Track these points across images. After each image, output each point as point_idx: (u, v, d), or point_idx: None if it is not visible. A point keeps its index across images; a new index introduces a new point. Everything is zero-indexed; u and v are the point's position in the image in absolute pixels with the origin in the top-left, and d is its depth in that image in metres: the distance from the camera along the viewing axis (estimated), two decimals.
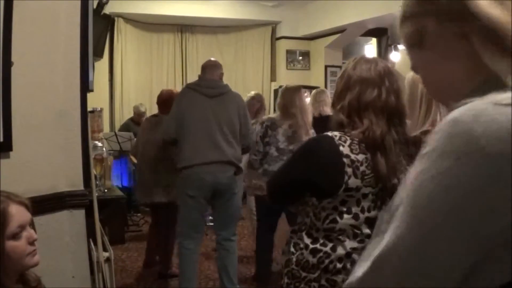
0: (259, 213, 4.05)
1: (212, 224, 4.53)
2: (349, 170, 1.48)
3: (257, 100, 4.77)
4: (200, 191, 3.32)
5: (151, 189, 3.99)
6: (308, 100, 4.83)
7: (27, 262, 1.39)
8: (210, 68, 3.52)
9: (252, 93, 4.95)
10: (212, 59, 3.76)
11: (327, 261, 1.53)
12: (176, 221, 3.89)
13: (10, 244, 1.35)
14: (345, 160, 1.49)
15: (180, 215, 3.47)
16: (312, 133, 3.80)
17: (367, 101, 1.53)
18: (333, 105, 1.65)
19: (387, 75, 1.58)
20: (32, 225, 1.45)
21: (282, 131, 3.76)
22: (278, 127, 3.76)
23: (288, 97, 3.83)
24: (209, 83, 3.46)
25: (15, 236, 1.36)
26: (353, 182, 1.49)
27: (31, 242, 1.40)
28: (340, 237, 1.52)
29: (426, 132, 1.78)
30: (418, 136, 1.78)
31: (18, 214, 1.38)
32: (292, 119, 3.74)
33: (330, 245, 1.53)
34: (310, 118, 3.89)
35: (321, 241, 1.54)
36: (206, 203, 3.42)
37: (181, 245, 3.46)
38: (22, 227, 1.38)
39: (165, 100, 3.99)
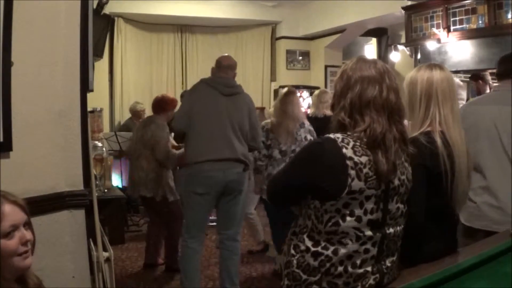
0: (270, 213, 4.16)
1: (213, 224, 4.55)
2: (352, 172, 1.48)
3: None
4: (209, 188, 3.31)
5: (139, 185, 4.24)
6: (309, 100, 4.87)
7: (17, 262, 1.38)
8: (228, 67, 3.50)
9: None
10: (226, 55, 3.75)
11: (328, 264, 1.53)
12: (177, 217, 4.09)
13: (1, 242, 1.34)
14: (348, 162, 1.48)
15: (185, 214, 3.46)
16: (304, 130, 3.89)
17: (369, 98, 1.53)
18: (333, 107, 1.64)
19: (387, 73, 1.59)
20: (29, 226, 1.44)
21: (282, 134, 3.84)
22: (278, 129, 3.86)
23: (282, 101, 3.98)
24: (226, 81, 3.45)
25: (7, 235, 1.36)
26: (356, 184, 1.48)
27: (24, 243, 1.39)
28: (342, 239, 1.52)
29: (426, 133, 1.78)
30: (415, 137, 1.78)
31: (11, 213, 1.38)
32: (287, 122, 3.87)
33: (332, 248, 1.53)
34: (301, 120, 3.99)
35: (323, 244, 1.54)
36: (212, 202, 3.39)
37: (185, 243, 3.45)
38: (14, 227, 1.38)
39: (157, 102, 4.37)
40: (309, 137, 3.92)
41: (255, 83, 8.76)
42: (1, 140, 1.90)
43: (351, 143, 1.51)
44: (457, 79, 3.58)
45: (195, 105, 3.36)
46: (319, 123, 4.24)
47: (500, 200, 2.43)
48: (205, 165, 3.29)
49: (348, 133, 1.55)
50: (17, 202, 1.42)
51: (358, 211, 1.51)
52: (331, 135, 1.54)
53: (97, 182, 4.29)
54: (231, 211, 3.45)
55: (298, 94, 8.32)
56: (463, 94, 3.53)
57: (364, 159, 1.50)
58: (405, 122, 1.71)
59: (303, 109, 8.21)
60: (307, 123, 4.05)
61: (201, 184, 3.30)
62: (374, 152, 1.50)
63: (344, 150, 1.49)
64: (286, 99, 3.96)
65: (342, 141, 1.51)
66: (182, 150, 3.87)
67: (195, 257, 3.45)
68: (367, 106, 1.53)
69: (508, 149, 2.47)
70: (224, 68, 3.49)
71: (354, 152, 1.49)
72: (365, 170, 1.49)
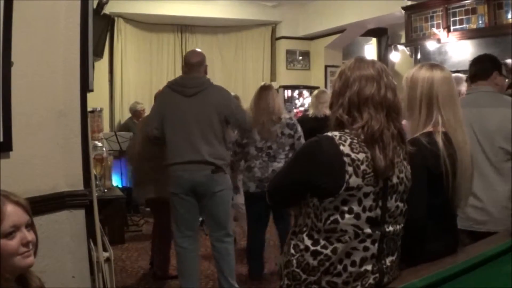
0: (247, 211, 4.17)
1: None
2: (349, 169, 1.49)
3: None
4: (180, 188, 3.34)
5: (134, 184, 4.31)
6: (309, 100, 4.85)
7: (18, 262, 1.38)
8: (197, 65, 3.42)
9: None
10: (197, 50, 3.69)
11: (327, 263, 1.53)
12: (160, 218, 4.14)
13: (1, 242, 1.34)
14: (345, 159, 1.49)
15: (172, 214, 3.49)
16: (280, 126, 3.86)
17: (367, 95, 1.55)
18: (331, 106, 1.66)
19: (385, 72, 1.61)
20: (31, 227, 1.44)
21: (257, 131, 3.86)
22: (254, 125, 3.84)
23: (255, 98, 3.98)
24: (190, 82, 3.39)
25: (8, 236, 1.36)
26: (354, 181, 1.49)
27: (25, 244, 1.39)
28: (341, 237, 1.52)
29: (427, 134, 1.78)
30: (416, 137, 1.78)
31: (12, 214, 1.37)
32: (261, 117, 3.86)
33: (331, 247, 1.53)
34: (276, 116, 3.92)
35: (322, 243, 1.54)
36: (191, 201, 3.38)
37: (176, 244, 3.47)
38: (16, 227, 1.37)
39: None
40: (287, 131, 3.89)
41: (255, 83, 8.71)
42: (1, 140, 1.91)
43: (348, 140, 1.52)
44: (460, 74, 3.58)
45: (161, 110, 3.39)
46: (319, 123, 4.23)
47: (482, 201, 2.47)
48: (174, 167, 3.36)
49: (346, 130, 1.56)
50: (20, 202, 1.42)
51: (356, 208, 1.51)
52: (329, 133, 1.56)
53: (97, 182, 4.28)
54: (212, 213, 3.43)
55: (298, 94, 8.40)
56: (463, 88, 3.53)
57: (361, 156, 1.51)
58: (404, 121, 1.71)
59: (298, 107, 8.24)
60: (286, 117, 3.98)
61: (173, 184, 3.37)
62: (372, 149, 1.52)
63: (341, 147, 1.51)
64: (260, 94, 3.96)
65: (340, 138, 1.53)
66: None
67: (189, 256, 3.44)
68: (365, 103, 1.55)
69: (485, 150, 2.51)
70: (194, 66, 3.42)
71: (352, 149, 1.51)
72: (362, 167, 1.50)
